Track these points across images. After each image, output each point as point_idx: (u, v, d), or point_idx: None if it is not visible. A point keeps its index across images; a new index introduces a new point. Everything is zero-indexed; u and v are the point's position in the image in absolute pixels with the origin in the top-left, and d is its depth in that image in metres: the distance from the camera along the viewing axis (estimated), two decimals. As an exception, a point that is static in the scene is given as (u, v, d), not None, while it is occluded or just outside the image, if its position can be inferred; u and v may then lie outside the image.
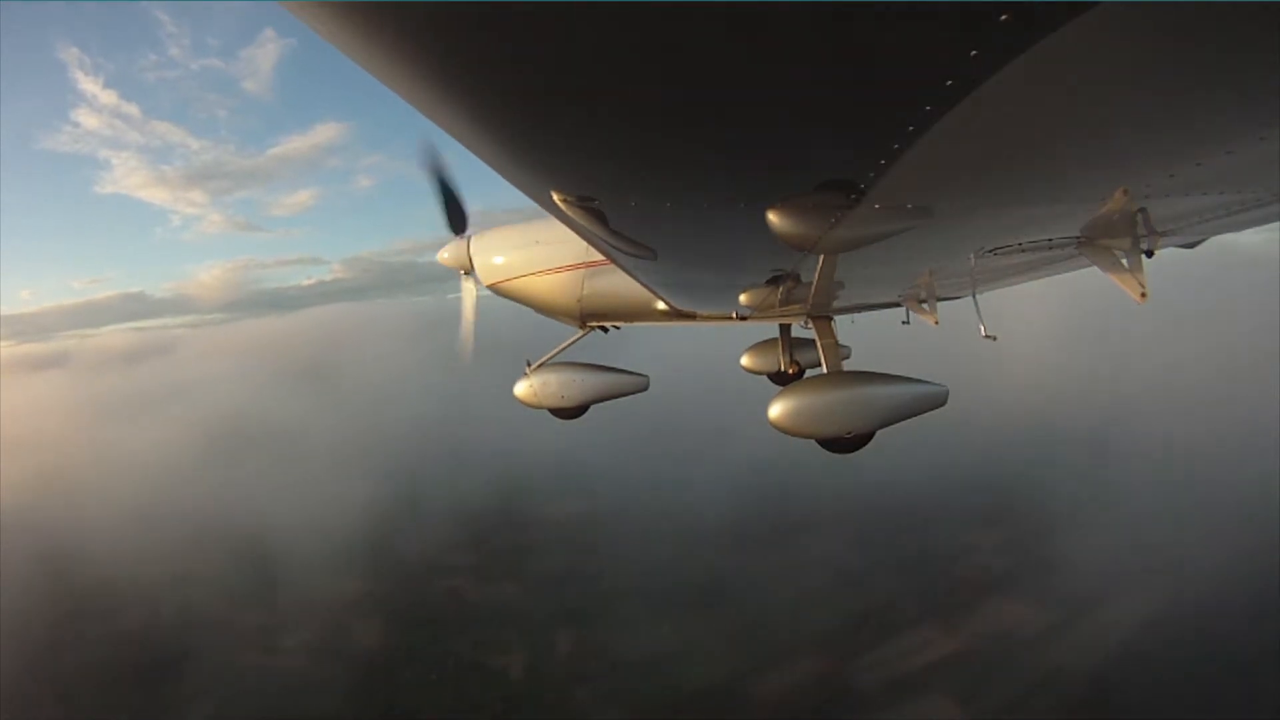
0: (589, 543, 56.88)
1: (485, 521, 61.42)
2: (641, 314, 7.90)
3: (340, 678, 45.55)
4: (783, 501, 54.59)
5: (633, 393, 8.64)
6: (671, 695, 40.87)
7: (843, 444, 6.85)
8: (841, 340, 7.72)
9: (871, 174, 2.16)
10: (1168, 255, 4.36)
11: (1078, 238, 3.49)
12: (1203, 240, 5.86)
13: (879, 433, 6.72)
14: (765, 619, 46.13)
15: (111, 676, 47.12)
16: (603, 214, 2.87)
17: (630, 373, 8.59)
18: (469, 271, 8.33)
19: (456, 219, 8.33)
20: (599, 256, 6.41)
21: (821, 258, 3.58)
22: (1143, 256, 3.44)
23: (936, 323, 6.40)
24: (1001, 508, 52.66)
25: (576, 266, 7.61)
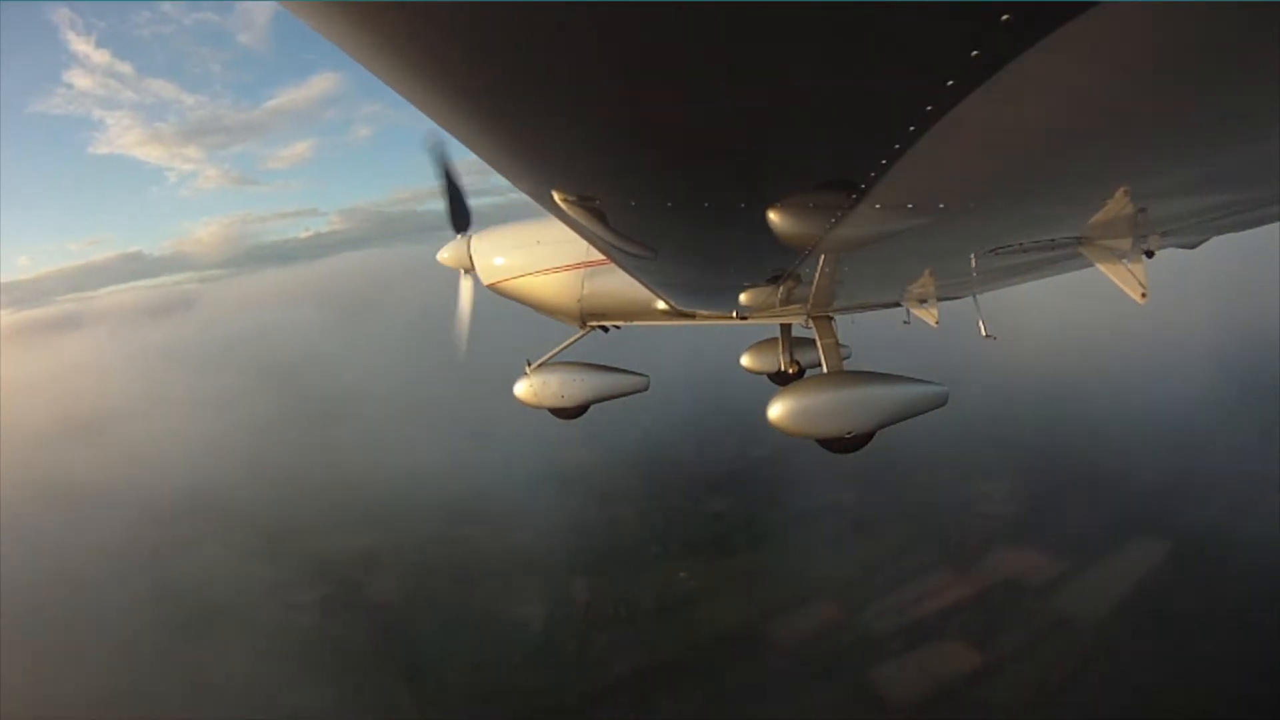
0: (602, 490, 56.51)
1: (498, 470, 60.57)
2: (641, 314, 7.90)
3: (358, 631, 45.39)
4: (790, 451, 54.08)
5: (633, 392, 8.66)
6: (690, 641, 41.27)
7: (843, 444, 6.86)
8: (841, 340, 7.73)
9: (872, 174, 2.16)
10: (1167, 255, 4.36)
11: (1078, 238, 3.50)
12: (1203, 240, 5.87)
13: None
14: (779, 566, 46.25)
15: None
16: (603, 214, 2.87)
17: (630, 372, 8.60)
18: (469, 270, 8.33)
19: (460, 217, 8.35)
20: (599, 256, 6.42)
21: (822, 258, 3.58)
22: (1143, 256, 3.45)
23: (937, 323, 6.41)
24: (1007, 457, 52.63)
25: (577, 266, 7.61)
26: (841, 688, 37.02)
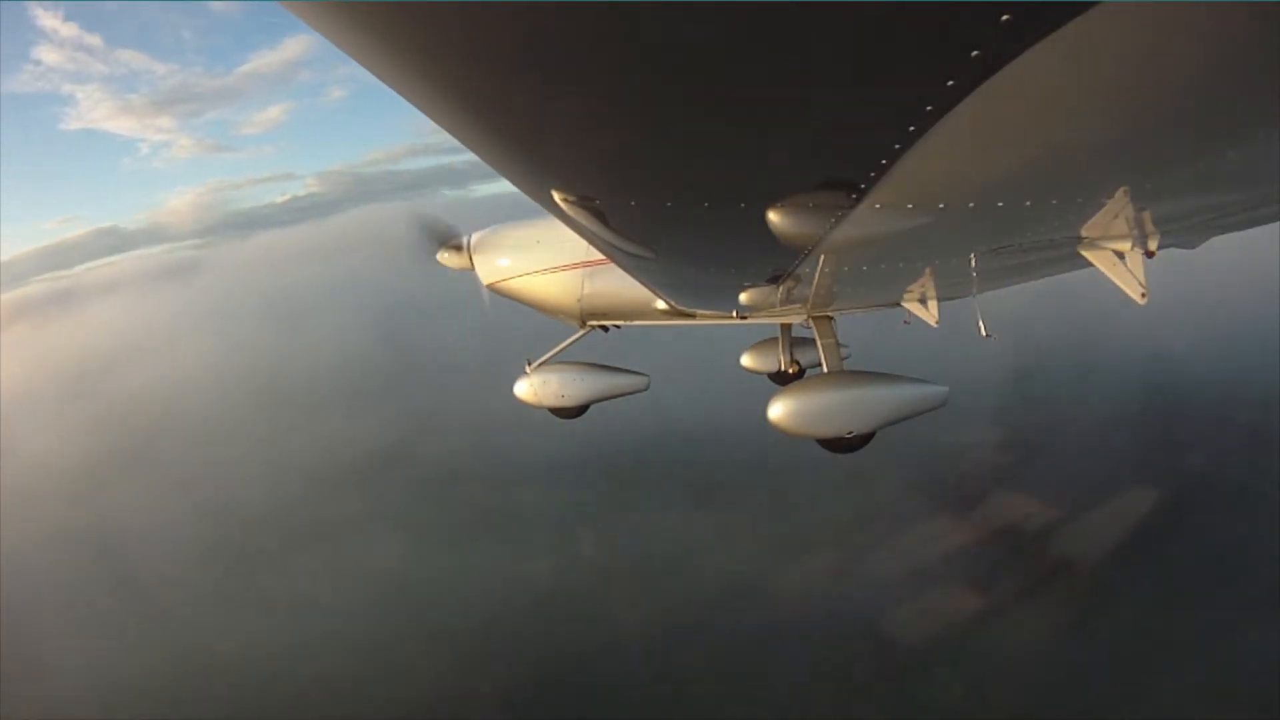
0: (599, 439, 55.83)
1: (489, 422, 59.51)
2: (641, 313, 7.91)
3: (364, 599, 44.40)
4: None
5: (633, 392, 8.68)
6: (701, 589, 41.22)
7: (843, 444, 6.87)
8: (841, 340, 7.73)
9: (872, 174, 2.16)
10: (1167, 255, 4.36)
11: (1078, 238, 3.50)
12: (1203, 240, 5.87)
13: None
14: (781, 515, 45.81)
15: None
16: (603, 214, 2.87)
17: (631, 372, 8.62)
18: (469, 270, 8.34)
19: (451, 239, 8.44)
20: (599, 256, 6.42)
21: (822, 258, 3.58)
22: (1143, 256, 3.45)
23: (936, 323, 6.41)
24: (1001, 405, 52.56)
25: (577, 266, 7.62)
26: (849, 633, 37.28)
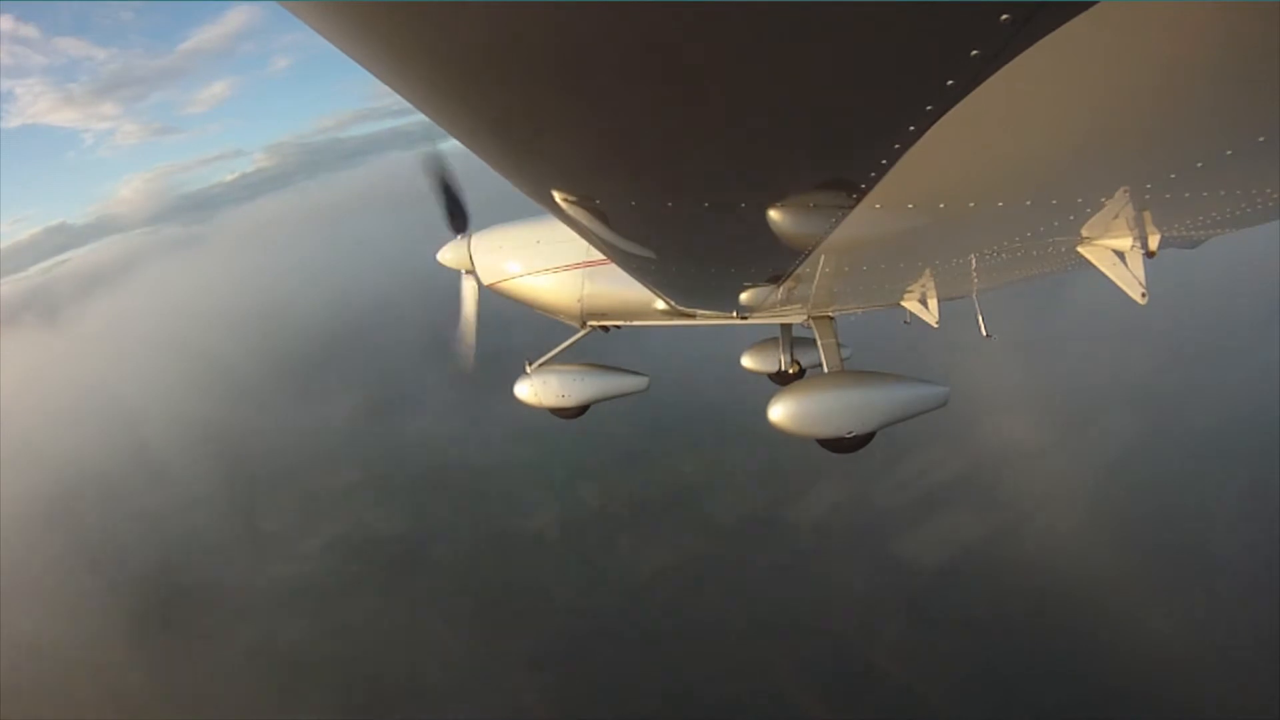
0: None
1: (476, 383, 58.62)
2: (641, 314, 7.91)
3: (374, 571, 44.23)
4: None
5: (633, 393, 8.68)
6: (710, 529, 41.41)
7: (843, 444, 6.86)
8: (841, 340, 7.73)
9: (872, 174, 2.16)
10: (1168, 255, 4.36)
11: (1078, 237, 3.50)
12: (1203, 240, 5.87)
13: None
14: (781, 454, 45.42)
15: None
16: (603, 214, 2.87)
17: (631, 372, 8.62)
18: (470, 271, 8.33)
19: (458, 219, 8.33)
20: (599, 256, 6.42)
21: (822, 258, 3.58)
22: (1142, 256, 3.46)
23: (936, 323, 6.42)
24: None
25: (577, 266, 7.62)
26: (866, 561, 37.77)
